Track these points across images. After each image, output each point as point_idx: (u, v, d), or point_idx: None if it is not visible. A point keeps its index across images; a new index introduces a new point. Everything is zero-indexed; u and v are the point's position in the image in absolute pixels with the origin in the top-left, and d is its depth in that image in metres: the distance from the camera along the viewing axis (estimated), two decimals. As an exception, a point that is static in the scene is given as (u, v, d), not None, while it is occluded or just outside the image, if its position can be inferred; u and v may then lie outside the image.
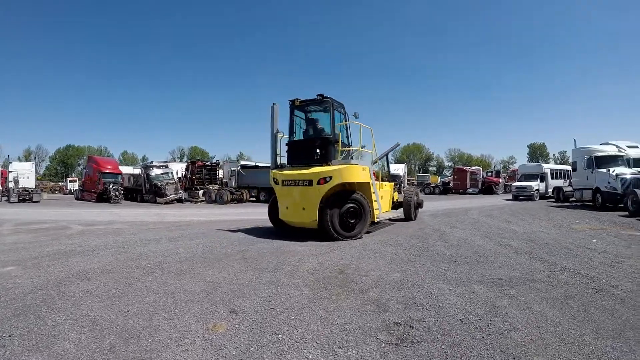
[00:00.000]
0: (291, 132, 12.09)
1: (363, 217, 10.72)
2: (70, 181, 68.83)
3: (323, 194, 10.30)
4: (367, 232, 11.30)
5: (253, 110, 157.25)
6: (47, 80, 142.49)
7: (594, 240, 10.02)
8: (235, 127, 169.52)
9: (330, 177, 10.25)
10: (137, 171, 39.97)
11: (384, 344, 3.81)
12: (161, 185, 31.87)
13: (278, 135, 12.23)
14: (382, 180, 13.92)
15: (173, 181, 33.72)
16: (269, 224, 12.99)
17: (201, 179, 36.06)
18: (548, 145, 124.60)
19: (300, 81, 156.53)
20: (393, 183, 15.33)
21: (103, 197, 33.69)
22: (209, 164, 38.78)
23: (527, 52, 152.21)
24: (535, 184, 33.08)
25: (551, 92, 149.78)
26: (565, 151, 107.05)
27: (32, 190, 35.05)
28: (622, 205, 18.27)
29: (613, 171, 20.27)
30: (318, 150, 11.24)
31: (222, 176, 37.95)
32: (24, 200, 33.06)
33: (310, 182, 10.42)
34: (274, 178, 11.50)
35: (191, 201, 33.50)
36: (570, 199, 27.18)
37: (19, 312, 4.73)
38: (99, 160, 41.08)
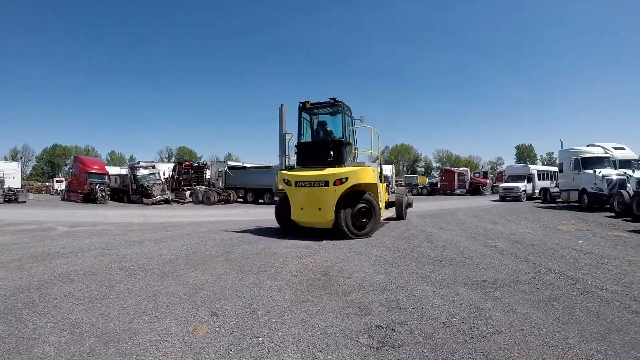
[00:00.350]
0: (299, 134, 12.26)
1: (373, 216, 11.12)
2: (57, 181, 67.92)
3: (339, 194, 10.54)
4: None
5: (242, 110, 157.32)
6: (34, 78, 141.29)
7: (580, 241, 10.02)
8: (224, 128, 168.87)
9: (347, 179, 10.53)
10: (124, 171, 39.65)
11: (364, 348, 3.75)
12: (148, 185, 31.59)
13: (287, 136, 12.33)
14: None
15: (160, 182, 33.42)
16: (255, 225, 12.93)
17: (188, 179, 35.81)
18: (536, 146, 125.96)
19: (289, 81, 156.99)
20: (386, 184, 15.73)
21: (89, 198, 33.33)
22: (196, 164, 38.51)
23: (515, 54, 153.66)
24: (522, 185, 33.29)
25: (539, 93, 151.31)
26: (553, 152, 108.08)
27: (17, 191, 34.43)
28: (609, 206, 18.40)
29: (599, 172, 20.45)
30: (332, 152, 11.45)
31: (209, 177, 37.75)
32: (9, 201, 32.53)
33: (327, 183, 10.60)
34: (285, 179, 11.47)
35: (178, 202, 33.22)
36: (557, 200, 27.36)
37: (0, 315, 4.67)
38: (85, 160, 40.69)
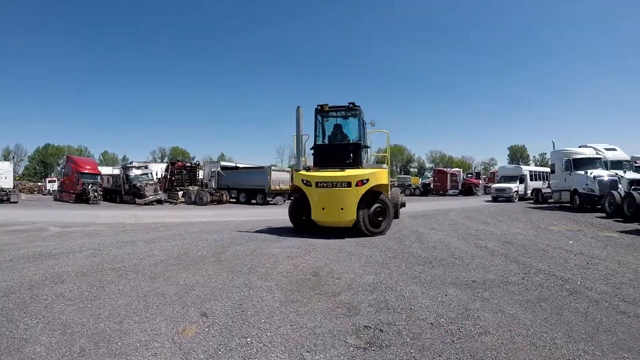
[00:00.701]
0: (316, 135, 12.59)
1: (387, 216, 11.70)
2: (49, 181, 67.52)
3: (360, 195, 10.98)
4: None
5: (236, 110, 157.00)
6: (27, 77, 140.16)
7: (571, 242, 10.06)
8: (217, 128, 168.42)
9: (367, 180, 11.02)
10: (117, 172, 39.42)
11: (352, 348, 3.74)
12: (140, 186, 31.48)
13: (303, 137, 12.69)
14: None
15: (152, 182, 33.28)
16: (247, 226, 12.88)
17: (181, 179, 35.65)
18: (529, 147, 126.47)
19: (284, 81, 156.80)
20: None
21: (82, 198, 33.04)
22: (188, 164, 38.38)
23: (510, 54, 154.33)
24: (514, 186, 33.49)
25: (533, 94, 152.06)
26: (546, 153, 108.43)
27: (9, 191, 33.98)
28: (600, 206, 18.50)
29: (591, 173, 20.59)
30: (351, 154, 11.93)
31: (202, 177, 37.66)
32: (1, 201, 32.12)
33: (349, 184, 10.99)
34: (304, 180, 11.64)
35: (171, 202, 33.10)
36: (549, 201, 27.53)
37: (-8, 316, 4.65)
38: (77, 160, 40.38)
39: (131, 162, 42.08)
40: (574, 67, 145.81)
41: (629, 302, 5.02)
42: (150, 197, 31.17)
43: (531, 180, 35.83)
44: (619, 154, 24.28)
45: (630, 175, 20.88)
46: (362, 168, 11.71)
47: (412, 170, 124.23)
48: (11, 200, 32.70)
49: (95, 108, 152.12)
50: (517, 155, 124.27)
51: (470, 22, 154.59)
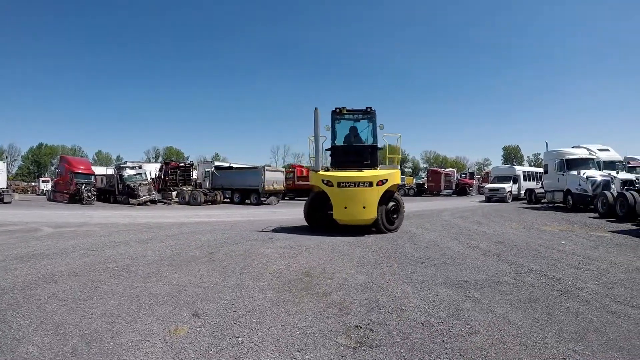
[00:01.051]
0: (333, 137, 13.16)
1: (400, 213, 12.59)
2: (43, 181, 67.01)
3: (381, 194, 11.54)
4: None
5: (230, 110, 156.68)
6: (20, 76, 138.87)
7: (563, 242, 10.10)
8: (212, 128, 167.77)
9: (386, 180, 11.62)
10: (111, 172, 39.21)
11: (342, 348, 3.75)
12: (134, 186, 31.34)
13: (321, 138, 12.91)
14: None
15: (146, 182, 33.14)
16: (240, 226, 12.89)
17: (175, 180, 35.44)
18: (523, 147, 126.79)
19: (280, 81, 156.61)
20: None
21: (75, 198, 32.79)
22: (182, 164, 38.18)
23: (505, 55, 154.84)
24: (507, 186, 33.62)
25: (528, 95, 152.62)
26: (539, 153, 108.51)
27: (3, 191, 33.66)
28: (593, 207, 18.59)
29: (584, 174, 20.72)
30: (369, 156, 12.75)
31: (196, 177, 37.55)
32: (-6, 201, 31.99)
33: (371, 184, 11.50)
34: (324, 180, 11.91)
35: (164, 202, 32.92)
36: (542, 201, 27.67)
37: (-15, 316, 4.65)
38: (71, 160, 40.11)
39: (125, 162, 41.91)
40: (568, 67, 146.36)
41: (620, 302, 5.04)
42: (144, 197, 31.04)
43: (525, 180, 36.03)
44: (612, 155, 24.44)
45: (623, 175, 21.06)
46: (378, 169, 12.43)
47: (406, 170, 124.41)
48: (4, 201, 32.43)
49: (90, 108, 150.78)
50: (511, 155, 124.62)
51: (466, 21, 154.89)
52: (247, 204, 31.22)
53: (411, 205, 26.26)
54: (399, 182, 12.53)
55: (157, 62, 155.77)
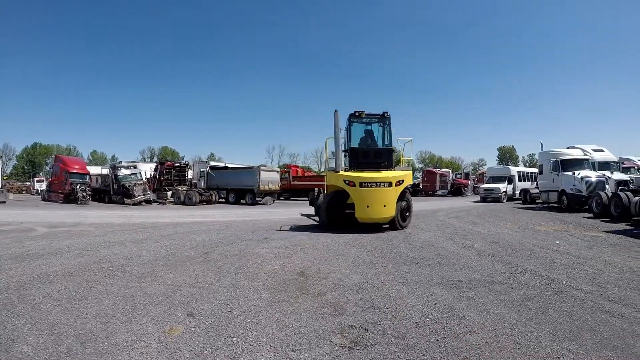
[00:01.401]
0: (350, 139, 13.63)
1: (410, 212, 13.33)
2: (38, 181, 66.74)
3: (399, 193, 12.24)
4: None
5: (226, 110, 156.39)
6: (15, 75, 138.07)
7: (557, 242, 10.13)
8: (207, 127, 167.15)
9: (403, 180, 12.33)
10: (106, 171, 39.06)
11: (337, 347, 3.75)
12: (129, 186, 31.24)
13: (340, 140, 13.19)
14: None
15: (141, 182, 33.06)
16: (236, 226, 12.86)
17: (170, 179, 35.38)
18: (518, 148, 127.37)
19: (276, 81, 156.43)
20: None
21: (70, 198, 32.63)
22: (177, 164, 38.08)
23: (501, 55, 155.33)
24: (502, 186, 33.71)
25: (523, 95, 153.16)
26: (535, 154, 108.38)
27: (-3, 191, 33.74)
28: (587, 207, 18.67)
29: (578, 174, 20.76)
30: (386, 158, 13.43)
31: (191, 177, 37.46)
32: (-12, 202, 31.76)
33: (390, 184, 12.10)
34: (346, 180, 12.30)
35: (160, 202, 32.81)
36: (537, 201, 27.73)
37: (-21, 317, 4.62)
38: (66, 160, 39.85)
39: (120, 162, 41.67)
40: (564, 68, 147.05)
41: (614, 302, 5.05)
42: (139, 197, 30.95)
43: (519, 180, 36.14)
44: (607, 155, 24.51)
45: (618, 176, 21.11)
46: (394, 170, 13.05)
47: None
48: (-1, 200, 32.30)
49: (85, 107, 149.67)
50: (507, 155, 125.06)
51: (463, 22, 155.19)
52: (243, 204, 31.18)
53: (406, 206, 26.33)
54: (411, 182, 13.34)
55: (153, 62, 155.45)
